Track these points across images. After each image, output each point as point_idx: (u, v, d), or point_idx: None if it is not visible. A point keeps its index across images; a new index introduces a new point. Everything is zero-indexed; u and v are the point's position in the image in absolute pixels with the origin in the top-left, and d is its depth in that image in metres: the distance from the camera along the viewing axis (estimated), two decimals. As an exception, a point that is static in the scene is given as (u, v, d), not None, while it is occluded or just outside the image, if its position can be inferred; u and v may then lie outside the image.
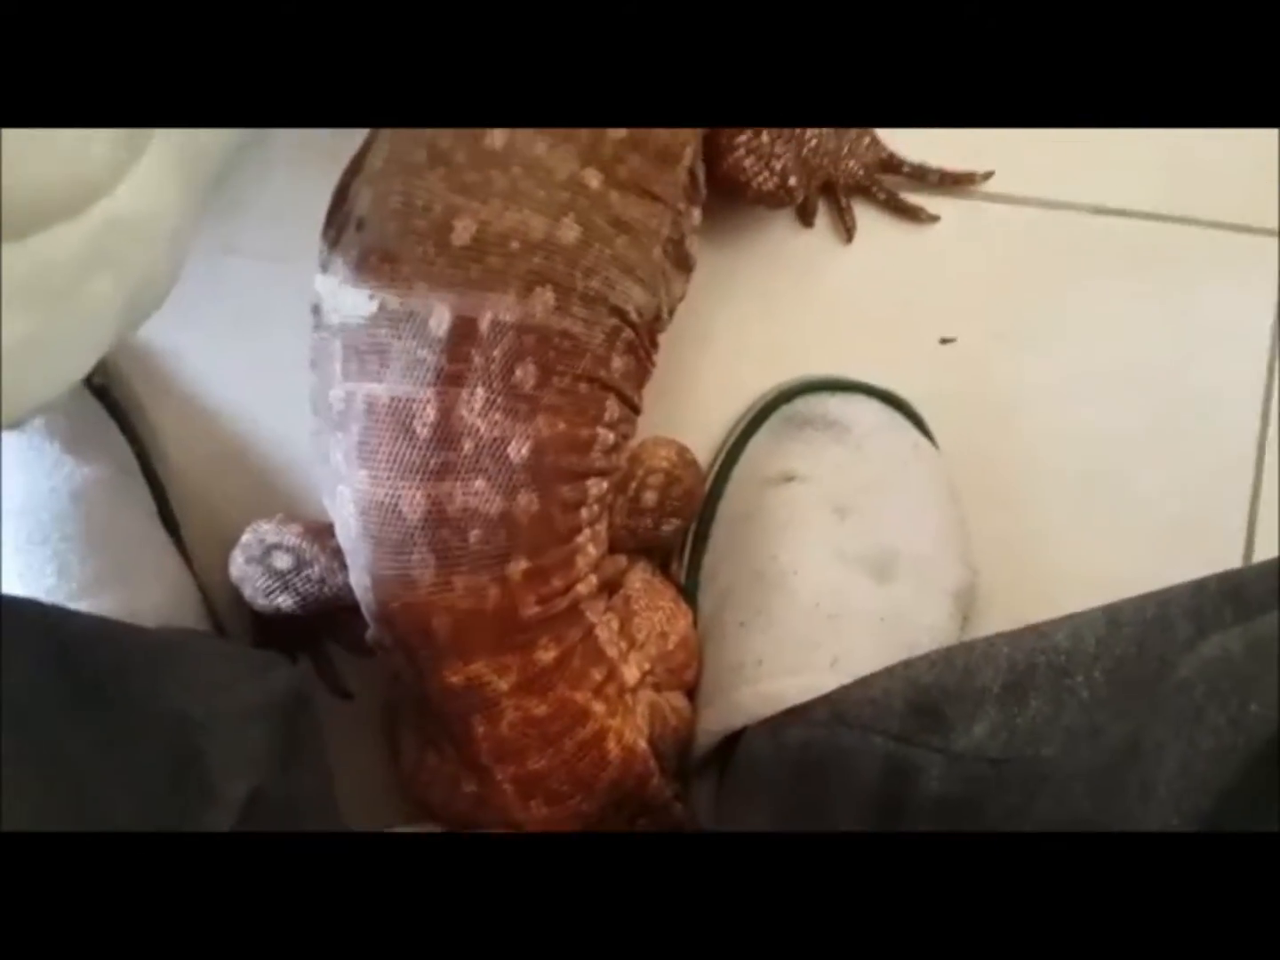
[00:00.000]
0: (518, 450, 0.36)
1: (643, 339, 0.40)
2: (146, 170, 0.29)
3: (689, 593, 0.47)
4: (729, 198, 0.44)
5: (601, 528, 0.40)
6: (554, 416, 0.37)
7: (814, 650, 0.43)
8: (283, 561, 0.40)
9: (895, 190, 0.47)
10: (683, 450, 0.43)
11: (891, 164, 0.47)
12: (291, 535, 0.40)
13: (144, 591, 0.40)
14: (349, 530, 0.37)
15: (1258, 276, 0.50)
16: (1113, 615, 0.34)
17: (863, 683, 0.40)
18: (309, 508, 0.44)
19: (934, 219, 0.48)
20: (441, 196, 0.35)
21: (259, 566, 0.41)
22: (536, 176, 0.36)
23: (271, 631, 0.44)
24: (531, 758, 0.38)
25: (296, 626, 0.44)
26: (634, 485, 0.41)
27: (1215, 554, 0.49)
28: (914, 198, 0.48)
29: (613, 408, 0.39)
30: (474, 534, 0.36)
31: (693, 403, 0.47)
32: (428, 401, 0.35)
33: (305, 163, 0.40)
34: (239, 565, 0.41)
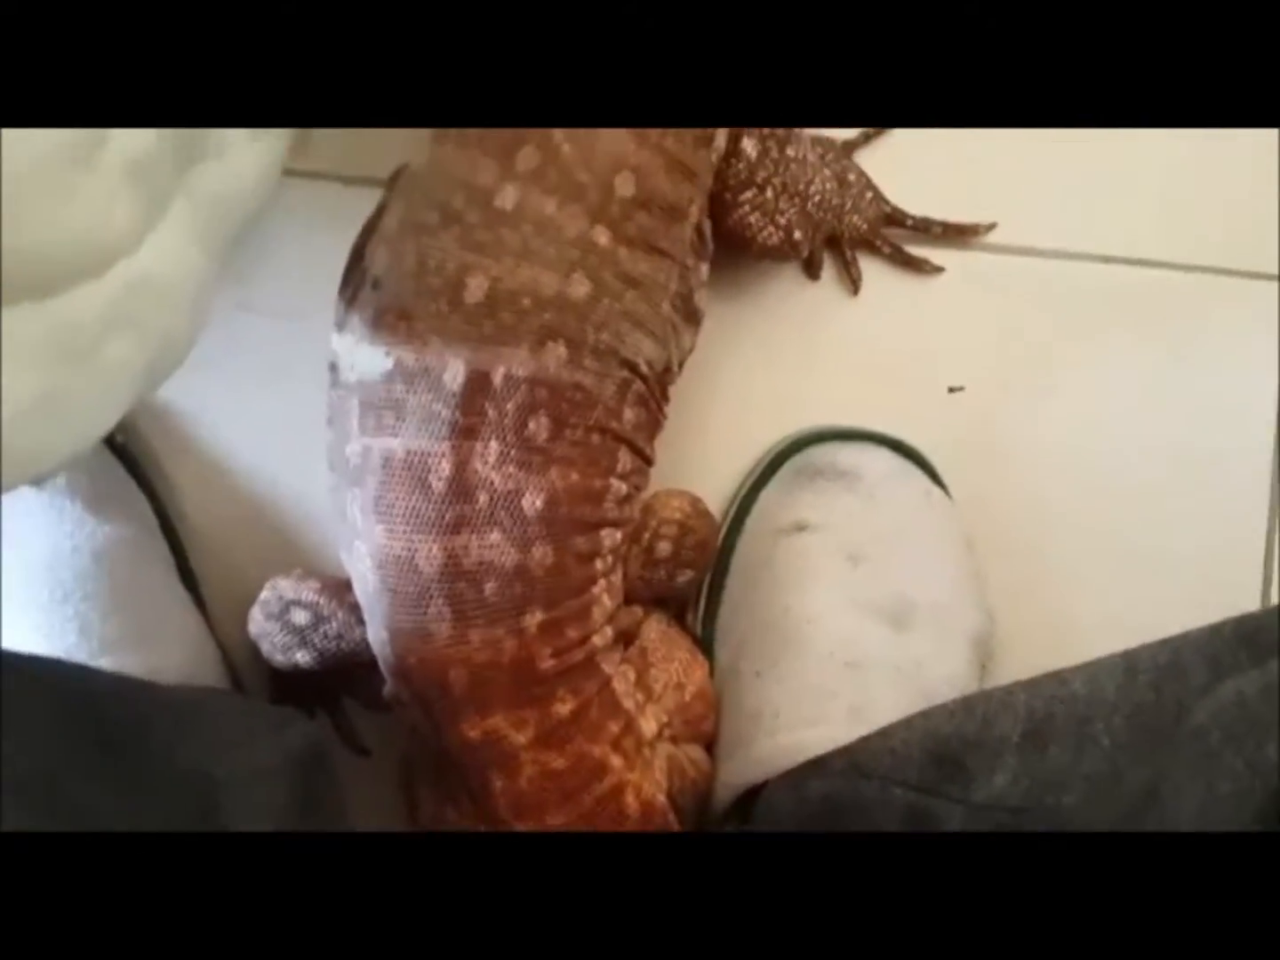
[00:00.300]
0: (532, 502, 0.36)
1: (653, 391, 0.40)
2: (167, 231, 0.30)
3: (705, 644, 0.46)
4: (736, 253, 0.44)
5: (616, 579, 0.40)
6: (567, 468, 0.37)
7: (831, 700, 0.42)
8: (301, 618, 0.41)
9: (899, 243, 0.48)
10: (696, 501, 0.43)
11: (895, 218, 0.48)
12: (309, 591, 0.41)
13: (164, 649, 0.41)
14: (366, 585, 0.37)
15: (1264, 320, 0.50)
16: (1130, 662, 0.34)
17: (881, 733, 0.40)
18: (327, 564, 0.44)
19: (939, 270, 0.48)
20: (455, 255, 0.36)
21: (277, 623, 0.41)
22: (546, 235, 0.36)
23: (289, 688, 0.44)
24: (550, 812, 0.38)
25: (314, 683, 0.44)
26: (648, 536, 0.41)
27: (1231, 596, 0.49)
28: (918, 250, 0.48)
29: (625, 459, 0.39)
30: (490, 587, 0.36)
31: (704, 454, 0.47)
32: (443, 455, 0.36)
33: (320, 224, 0.41)
34: (258, 622, 0.41)
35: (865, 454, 0.46)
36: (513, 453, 0.36)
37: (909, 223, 0.48)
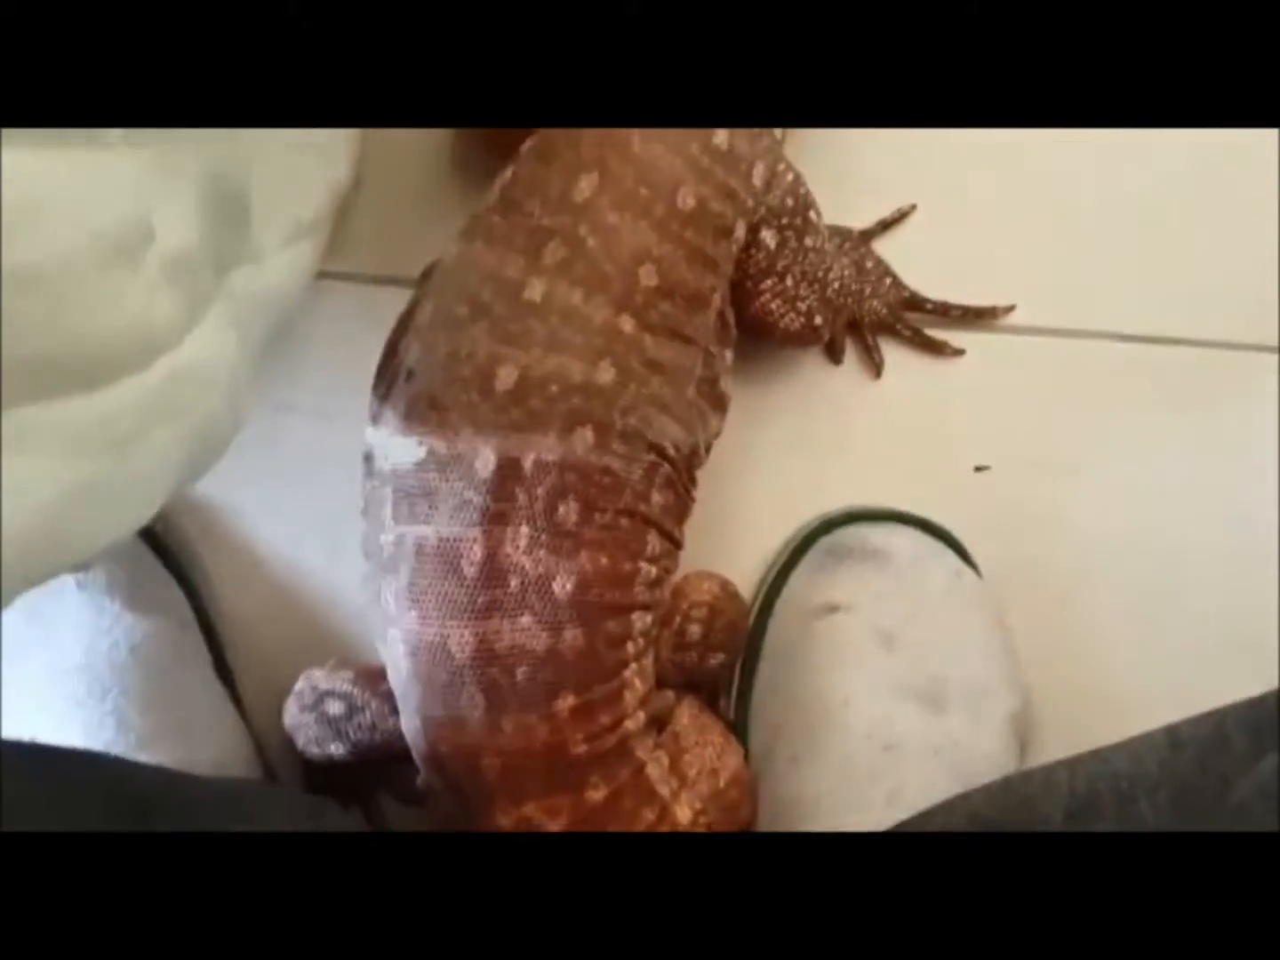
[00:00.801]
0: (562, 586, 0.36)
1: (681, 475, 0.40)
2: (209, 327, 0.31)
3: (738, 729, 0.46)
4: (760, 339, 0.45)
5: (648, 662, 0.40)
6: (597, 551, 0.37)
7: (870, 784, 0.42)
8: (335, 708, 0.40)
9: (919, 327, 0.49)
10: (725, 583, 0.43)
11: (914, 302, 0.48)
12: (343, 682, 0.41)
13: (201, 743, 0.40)
14: (400, 673, 0.37)
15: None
16: (1173, 737, 0.33)
17: (921, 817, 0.39)
18: (363, 656, 0.43)
19: (959, 352, 0.49)
20: (485, 346, 0.36)
21: (312, 714, 0.41)
22: (573, 324, 0.37)
23: (324, 781, 0.44)
24: None
25: (349, 776, 0.43)
26: (678, 619, 0.41)
27: (1267, 658, 0.48)
28: (938, 333, 0.49)
29: (654, 542, 0.39)
30: (521, 672, 0.36)
31: (733, 538, 0.47)
32: (475, 541, 0.36)
33: (353, 324, 0.42)
34: (292, 714, 0.41)
35: (894, 534, 0.46)
36: (543, 537, 0.36)
37: (928, 307, 0.48)
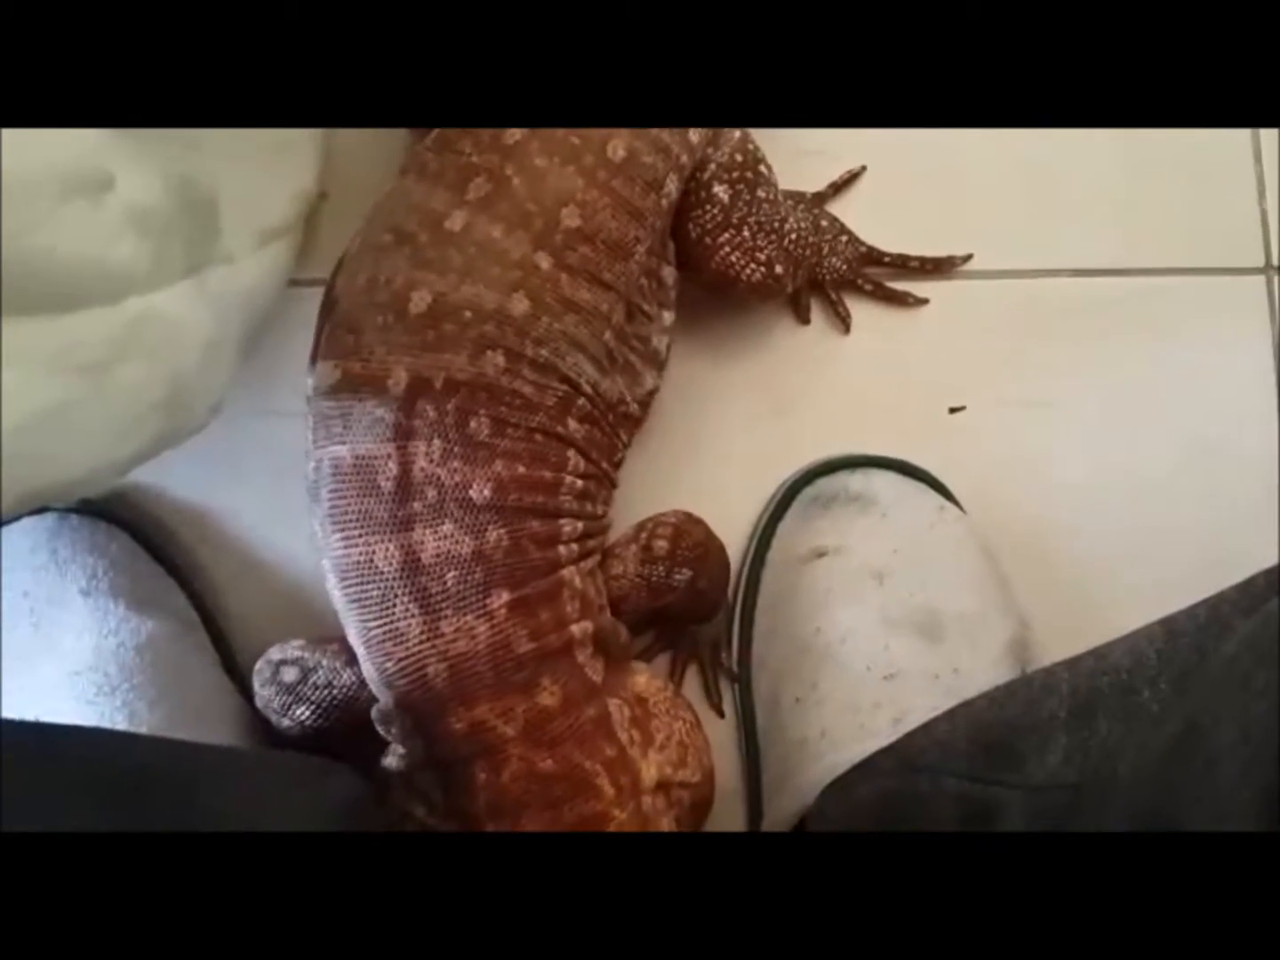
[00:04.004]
0: (480, 491, 0.36)
1: (604, 415, 0.39)
2: (180, 292, 0.32)
3: (741, 681, 0.44)
4: (724, 295, 0.45)
5: (588, 566, 0.39)
6: (512, 461, 0.36)
7: (874, 713, 0.40)
8: (289, 674, 0.40)
9: (880, 280, 0.48)
10: (690, 514, 0.42)
11: (872, 257, 0.48)
12: (293, 649, 0.40)
13: (212, 732, 0.40)
14: (336, 600, 0.37)
15: (1239, 307, 0.49)
16: (1169, 626, 0.32)
17: (924, 728, 0.37)
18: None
19: (923, 302, 0.48)
20: (404, 271, 0.36)
21: (272, 686, 0.40)
22: (490, 255, 0.37)
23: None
24: (528, 817, 0.35)
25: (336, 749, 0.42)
26: (644, 535, 0.41)
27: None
28: (900, 285, 0.48)
29: (576, 460, 0.38)
30: (451, 576, 0.35)
31: (719, 498, 0.46)
32: (389, 456, 0.35)
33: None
34: (258, 694, 0.40)
35: (874, 478, 0.45)
36: (456, 449, 0.36)
37: (886, 260, 0.48)
